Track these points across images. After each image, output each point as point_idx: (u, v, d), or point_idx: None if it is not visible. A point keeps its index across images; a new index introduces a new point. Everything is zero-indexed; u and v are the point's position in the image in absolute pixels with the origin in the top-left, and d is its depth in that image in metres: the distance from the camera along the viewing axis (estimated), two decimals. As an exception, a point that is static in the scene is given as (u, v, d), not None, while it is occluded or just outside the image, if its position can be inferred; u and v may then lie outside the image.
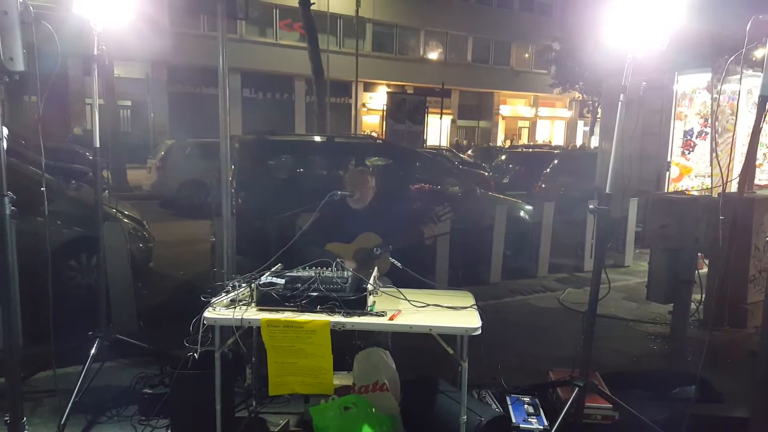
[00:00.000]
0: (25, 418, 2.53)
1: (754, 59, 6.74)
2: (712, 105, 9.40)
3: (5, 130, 2.59)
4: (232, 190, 6.33)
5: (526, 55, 36.39)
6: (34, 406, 3.64)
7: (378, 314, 2.96)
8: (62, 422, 3.24)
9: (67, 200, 6.23)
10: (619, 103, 3.09)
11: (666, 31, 2.87)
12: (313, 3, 15.40)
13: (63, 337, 4.02)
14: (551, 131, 39.90)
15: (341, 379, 3.60)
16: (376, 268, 3.40)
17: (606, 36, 3.08)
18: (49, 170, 7.27)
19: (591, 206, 3.20)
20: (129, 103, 23.80)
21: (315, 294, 2.96)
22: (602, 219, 3.18)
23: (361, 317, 2.92)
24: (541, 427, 3.18)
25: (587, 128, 36.40)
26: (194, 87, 24.56)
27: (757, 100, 6.46)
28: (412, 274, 3.49)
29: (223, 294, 3.12)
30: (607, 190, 3.14)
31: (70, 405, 3.32)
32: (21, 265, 4.35)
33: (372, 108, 30.74)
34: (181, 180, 12.92)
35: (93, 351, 3.67)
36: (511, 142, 33.56)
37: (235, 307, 2.97)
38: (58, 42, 2.80)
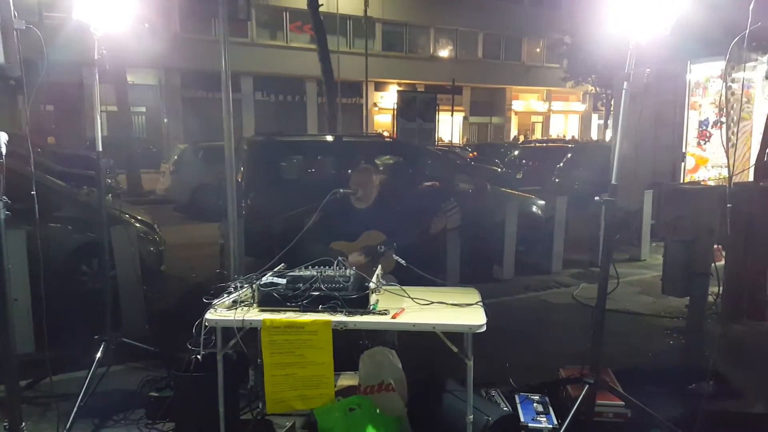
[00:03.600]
0: (24, 424, 2.51)
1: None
2: (725, 93, 9.22)
3: (4, 136, 2.59)
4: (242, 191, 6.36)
5: (538, 50, 36.11)
6: (42, 410, 3.65)
7: (381, 313, 2.91)
8: (68, 426, 3.23)
9: (79, 206, 6.26)
10: (623, 92, 3.00)
11: (669, 15, 2.78)
12: (322, 5, 15.40)
13: (74, 340, 4.05)
14: (565, 125, 39.56)
15: (347, 380, 3.56)
16: (379, 267, 3.36)
17: (609, 23, 3.00)
18: (61, 176, 7.36)
19: (597, 198, 3.13)
20: (143, 109, 24.04)
21: (317, 293, 2.92)
22: (609, 211, 3.10)
23: (364, 316, 2.87)
24: (551, 426, 3.11)
25: (602, 121, 36.02)
26: (207, 92, 24.69)
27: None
28: (417, 272, 3.45)
29: (225, 295, 3.10)
30: (612, 181, 3.07)
31: (75, 409, 3.32)
32: (33, 270, 4.41)
33: (383, 107, 30.71)
34: (194, 184, 12.98)
35: (98, 355, 3.67)
36: (525, 137, 33.28)
37: (236, 308, 2.95)
38: (62, 46, 2.80)
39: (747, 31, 2.67)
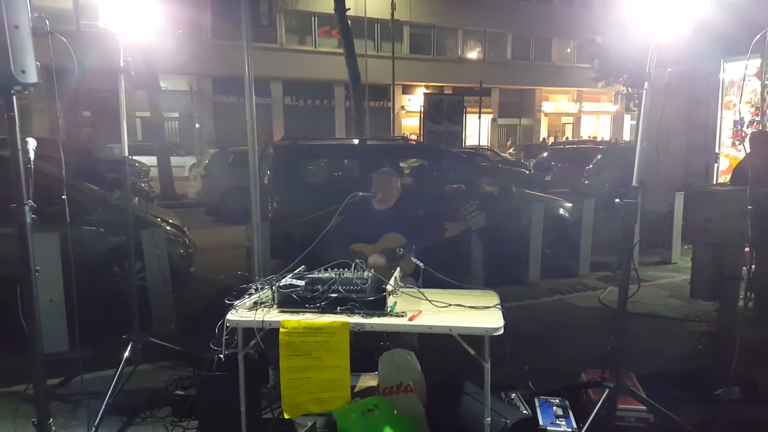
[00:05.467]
0: (51, 419, 2.61)
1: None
2: (762, 92, 9.00)
3: (33, 142, 2.69)
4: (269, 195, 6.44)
5: (568, 50, 35.65)
6: (73, 407, 3.77)
7: (398, 315, 2.93)
8: (96, 423, 3.33)
9: (111, 209, 6.44)
10: (644, 91, 2.97)
11: (691, 14, 2.75)
12: (349, 9, 15.50)
13: (106, 340, 4.17)
14: (597, 126, 38.96)
15: (368, 380, 3.59)
16: (398, 269, 3.39)
17: (632, 23, 2.98)
18: (95, 181, 7.57)
19: (617, 200, 3.10)
20: (176, 114, 24.50)
21: (335, 295, 2.96)
22: (632, 213, 3.07)
23: (381, 318, 2.90)
24: (570, 430, 3.09)
25: (634, 122, 35.36)
26: (238, 97, 25.01)
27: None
28: (435, 275, 3.46)
29: (247, 296, 3.16)
30: (633, 183, 3.03)
31: (103, 407, 3.42)
32: (67, 271, 4.56)
33: (411, 110, 30.70)
34: (224, 187, 13.20)
35: (126, 354, 3.77)
36: (555, 138, 32.89)
37: (257, 310, 3.01)
38: (86, 55, 2.89)
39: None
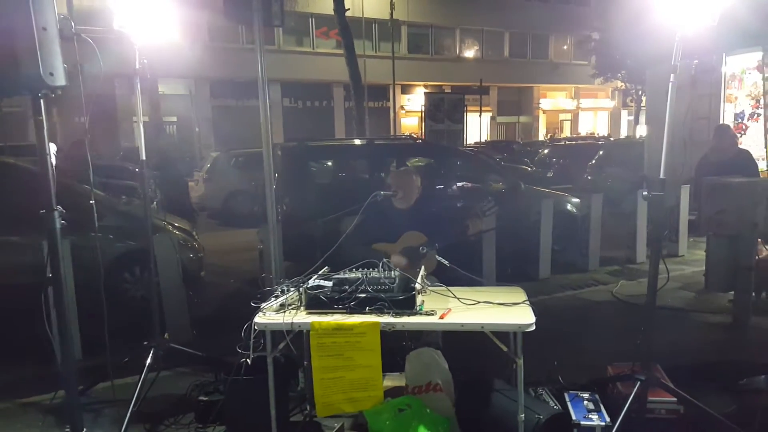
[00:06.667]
0: (84, 429, 2.57)
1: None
2: (764, 84, 8.99)
3: (54, 147, 2.66)
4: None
5: (565, 47, 35.73)
6: (94, 416, 3.73)
7: (428, 313, 2.92)
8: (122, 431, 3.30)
9: (119, 215, 6.40)
10: (670, 84, 2.96)
11: (716, 4, 2.73)
12: (348, 9, 15.49)
13: (119, 348, 4.13)
14: (594, 122, 39.03)
15: (393, 381, 3.56)
16: (423, 267, 3.36)
17: (654, 15, 2.96)
18: (100, 187, 7.54)
19: (645, 193, 3.08)
20: (175, 118, 24.43)
21: (363, 295, 2.94)
22: (657, 206, 3.05)
23: (411, 317, 2.88)
24: (603, 424, 3.07)
25: (631, 117, 35.46)
26: (236, 100, 25.03)
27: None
28: (460, 272, 3.44)
29: (273, 299, 3.14)
30: (661, 176, 3.02)
31: (128, 414, 3.38)
32: (77, 279, 4.51)
33: (410, 110, 30.72)
34: (227, 191, 13.18)
35: (149, 361, 3.74)
36: (553, 135, 32.94)
37: (284, 312, 2.98)
38: (100, 57, 2.85)
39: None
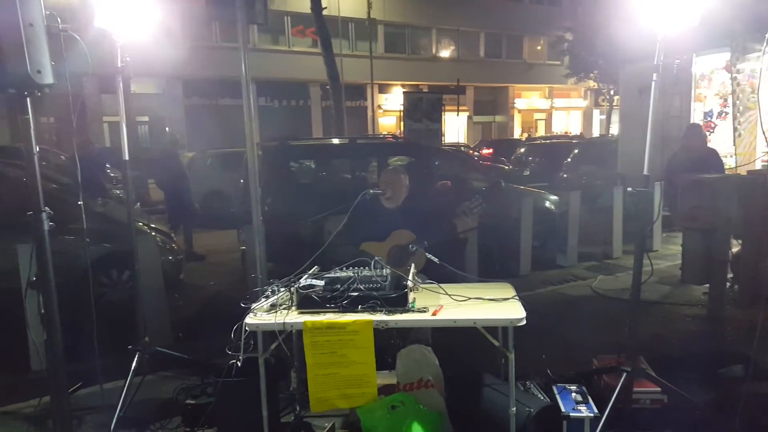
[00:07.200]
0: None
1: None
2: (732, 84, 9.22)
3: (35, 148, 2.61)
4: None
5: (539, 48, 36.10)
6: (77, 423, 3.64)
7: (420, 310, 2.94)
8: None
9: (95, 217, 6.27)
10: (652, 83, 3.02)
11: (697, 7, 2.80)
12: (325, 8, 15.42)
13: (98, 352, 4.05)
14: (568, 122, 39.53)
15: (383, 379, 3.57)
16: (413, 265, 3.38)
17: (627, 16, 3.03)
18: (73, 188, 7.39)
19: (629, 189, 3.14)
20: (146, 118, 24.05)
21: (355, 294, 2.95)
22: (643, 202, 3.12)
23: (404, 314, 2.90)
24: (592, 415, 3.12)
25: (603, 116, 36.00)
26: (210, 99, 24.70)
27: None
28: (448, 269, 3.47)
29: (263, 299, 3.12)
30: (645, 172, 3.09)
31: (114, 420, 3.33)
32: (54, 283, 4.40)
33: (387, 109, 30.72)
34: (204, 192, 13.01)
35: (134, 365, 3.68)
36: (528, 134, 33.30)
37: (276, 312, 2.97)
38: (82, 55, 2.80)
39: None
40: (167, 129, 23.88)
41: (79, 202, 2.69)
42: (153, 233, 6.48)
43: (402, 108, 15.50)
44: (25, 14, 2.17)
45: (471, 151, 21.57)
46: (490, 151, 22.05)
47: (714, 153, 6.67)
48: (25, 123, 2.31)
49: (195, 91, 24.94)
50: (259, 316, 2.94)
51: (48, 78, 2.27)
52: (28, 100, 2.32)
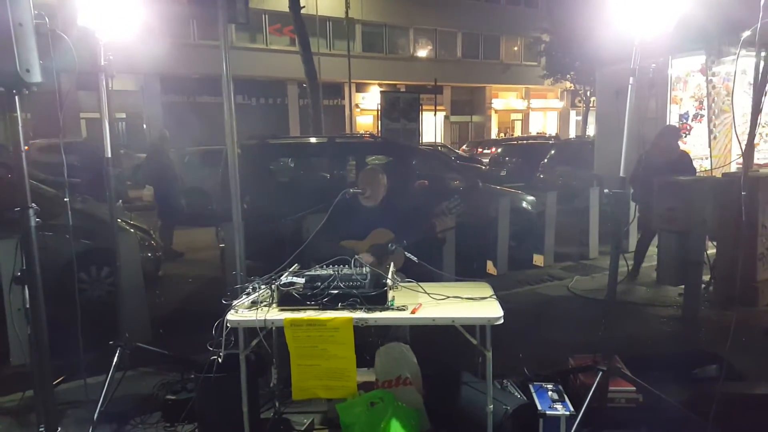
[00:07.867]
0: (60, 429, 2.52)
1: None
2: (707, 86, 9.43)
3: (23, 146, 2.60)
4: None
5: (516, 48, 36.42)
6: (59, 417, 3.63)
7: (399, 308, 2.98)
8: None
9: (74, 213, 6.19)
10: (629, 86, 3.10)
11: (673, 10, 2.88)
12: (303, 6, 15.39)
13: (77, 349, 4.02)
14: (544, 122, 39.96)
15: (362, 376, 3.60)
16: (392, 264, 3.42)
17: (603, 18, 3.10)
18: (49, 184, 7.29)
19: (606, 191, 3.22)
20: (123, 115, 23.76)
21: (335, 291, 2.98)
22: (619, 203, 3.20)
23: (383, 312, 2.94)
24: (568, 413, 3.19)
25: (579, 117, 36.49)
26: (188, 96, 24.51)
27: (752, 81, 6.50)
28: (426, 268, 3.51)
29: (244, 296, 3.14)
30: (621, 173, 3.16)
31: (96, 415, 3.33)
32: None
33: (365, 108, 30.75)
34: (182, 189, 12.89)
35: (116, 360, 3.67)
36: (505, 135, 33.60)
37: (257, 309, 2.99)
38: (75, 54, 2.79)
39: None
40: (144, 126, 23.66)
41: (66, 199, 2.67)
42: (132, 230, 6.43)
43: (379, 107, 15.54)
44: (15, 14, 2.19)
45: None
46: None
47: (686, 155, 6.78)
48: (14, 120, 2.30)
49: (173, 88, 24.72)
50: (241, 313, 2.96)
51: (36, 76, 2.29)
52: (16, 98, 2.31)
